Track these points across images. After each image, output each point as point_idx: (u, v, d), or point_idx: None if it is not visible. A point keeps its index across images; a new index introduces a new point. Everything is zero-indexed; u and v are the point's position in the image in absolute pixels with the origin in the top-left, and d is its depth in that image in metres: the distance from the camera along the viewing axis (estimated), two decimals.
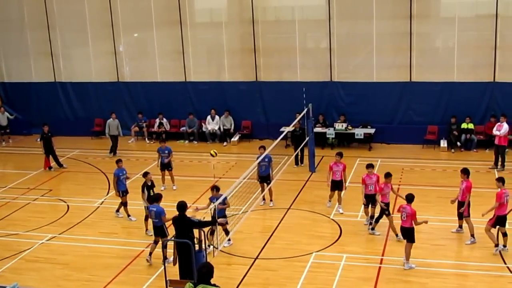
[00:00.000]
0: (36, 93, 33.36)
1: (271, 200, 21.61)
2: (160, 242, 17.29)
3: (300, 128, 25.45)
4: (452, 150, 27.34)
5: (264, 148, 21.26)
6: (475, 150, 26.97)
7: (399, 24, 28.02)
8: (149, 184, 19.53)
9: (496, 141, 24.78)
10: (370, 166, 19.13)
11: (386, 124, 28.84)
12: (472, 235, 17.87)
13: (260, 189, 21.59)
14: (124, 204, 20.94)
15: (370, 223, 19.01)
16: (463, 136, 27.22)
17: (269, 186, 21.31)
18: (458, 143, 27.34)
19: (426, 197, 21.41)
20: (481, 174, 23.98)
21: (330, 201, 21.15)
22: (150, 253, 17.48)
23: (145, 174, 19.80)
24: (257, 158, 20.62)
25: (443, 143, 27.65)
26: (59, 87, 33.02)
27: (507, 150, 25.13)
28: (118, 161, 21.25)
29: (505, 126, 24.58)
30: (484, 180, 22.80)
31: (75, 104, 33.07)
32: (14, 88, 33.93)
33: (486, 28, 27.20)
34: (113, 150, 28.65)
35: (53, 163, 26.99)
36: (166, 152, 23.47)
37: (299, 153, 25.65)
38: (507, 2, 27.12)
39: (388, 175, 18.53)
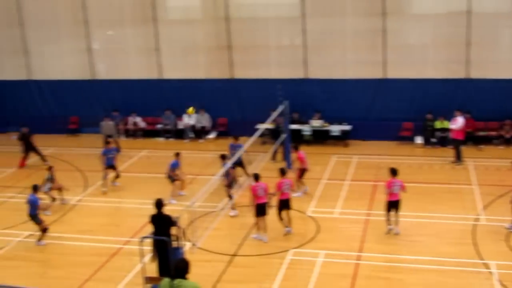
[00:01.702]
0: (10, 91, 33.04)
1: None
2: None
3: (279, 125, 25.65)
4: (428, 147, 27.60)
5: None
6: (450, 146, 27.16)
7: (373, 21, 28.16)
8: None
9: (451, 135, 25.62)
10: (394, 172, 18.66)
11: (361, 120, 29.01)
12: None
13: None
14: None
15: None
16: (437, 133, 27.50)
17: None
18: (433, 140, 27.61)
19: (402, 193, 21.57)
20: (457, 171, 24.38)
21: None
22: None
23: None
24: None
25: (418, 140, 27.91)
26: (32, 84, 32.76)
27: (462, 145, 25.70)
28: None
29: (459, 120, 25.06)
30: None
31: (49, 101, 32.79)
32: None
33: (459, 24, 27.52)
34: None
35: (31, 160, 26.91)
36: (113, 152, 24.08)
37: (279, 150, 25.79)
38: None
39: None
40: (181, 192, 22.24)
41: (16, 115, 31.47)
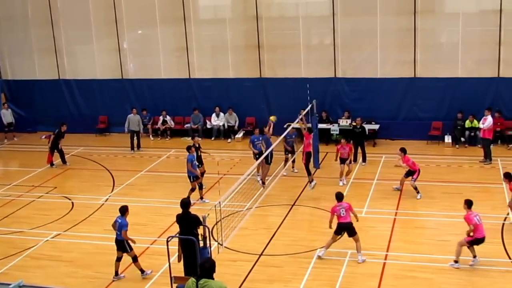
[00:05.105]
0: (40, 90, 33.36)
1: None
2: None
3: (361, 125, 25.79)
4: (457, 146, 27.31)
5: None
6: (479, 145, 26.84)
7: (403, 20, 27.97)
8: (197, 145, 22.90)
9: (481, 134, 25.28)
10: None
11: (390, 120, 28.80)
12: None
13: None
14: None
15: None
16: (467, 132, 27.19)
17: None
18: (462, 139, 27.31)
19: (431, 192, 21.51)
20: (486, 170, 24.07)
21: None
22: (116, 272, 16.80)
23: (192, 137, 24.77)
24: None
25: (448, 139, 27.62)
26: (63, 84, 33.05)
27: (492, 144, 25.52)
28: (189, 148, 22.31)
29: (489, 119, 24.77)
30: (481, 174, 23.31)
31: (79, 101, 33.08)
32: (18, 85, 33.95)
33: (490, 24, 27.16)
34: (134, 146, 28.80)
35: (57, 161, 27.01)
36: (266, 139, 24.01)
37: (360, 150, 25.71)
38: None
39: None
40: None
41: (45, 115, 31.79)
